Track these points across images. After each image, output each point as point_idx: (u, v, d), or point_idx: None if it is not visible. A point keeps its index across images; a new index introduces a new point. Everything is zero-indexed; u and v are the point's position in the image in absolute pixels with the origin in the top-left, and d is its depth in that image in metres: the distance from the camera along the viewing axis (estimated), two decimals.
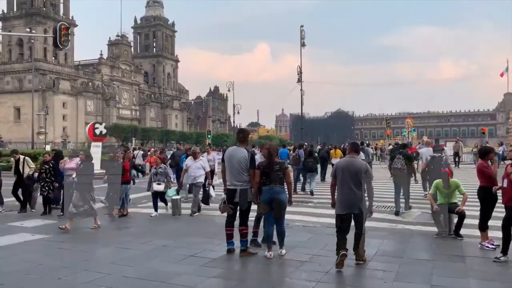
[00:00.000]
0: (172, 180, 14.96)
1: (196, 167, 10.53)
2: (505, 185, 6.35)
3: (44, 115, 62.93)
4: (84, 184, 8.94)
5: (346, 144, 26.77)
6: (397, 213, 10.35)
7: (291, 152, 18.32)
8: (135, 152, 22.86)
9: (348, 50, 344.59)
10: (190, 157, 10.94)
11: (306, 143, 21.73)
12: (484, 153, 7.17)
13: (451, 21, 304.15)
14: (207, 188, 10.59)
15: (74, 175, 9.44)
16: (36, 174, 11.22)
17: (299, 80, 37.59)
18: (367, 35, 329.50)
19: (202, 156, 11.19)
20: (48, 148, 51.71)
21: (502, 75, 73.56)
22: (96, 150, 24.50)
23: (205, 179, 10.78)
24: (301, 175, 15.53)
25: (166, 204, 10.84)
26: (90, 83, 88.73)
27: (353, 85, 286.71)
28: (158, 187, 10.50)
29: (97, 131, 24.96)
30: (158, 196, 10.59)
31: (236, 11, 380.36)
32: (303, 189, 15.07)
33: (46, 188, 10.75)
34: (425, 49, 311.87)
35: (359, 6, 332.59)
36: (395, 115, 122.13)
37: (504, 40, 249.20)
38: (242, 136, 6.91)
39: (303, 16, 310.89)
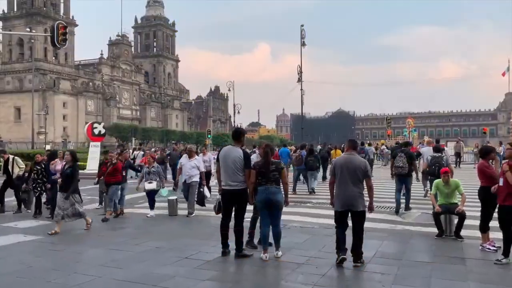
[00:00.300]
0: (170, 179, 14.84)
1: (191, 166, 10.30)
2: (501, 183, 6.19)
3: (44, 115, 62.82)
4: (69, 186, 8.58)
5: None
6: (397, 211, 10.33)
7: (292, 152, 18.30)
8: (135, 152, 22.68)
9: (348, 50, 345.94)
10: (184, 156, 10.72)
11: (307, 143, 21.59)
12: (485, 153, 7.02)
13: (451, 21, 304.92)
14: (202, 189, 10.36)
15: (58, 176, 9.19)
16: (26, 174, 11.01)
17: (299, 80, 37.43)
18: (367, 35, 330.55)
19: (198, 156, 10.99)
20: (48, 148, 51.73)
21: (504, 74, 73.31)
22: (94, 150, 24.46)
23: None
24: (301, 175, 15.43)
25: (152, 208, 10.47)
26: (90, 83, 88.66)
27: (353, 85, 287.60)
28: (150, 185, 10.31)
29: (96, 131, 24.90)
30: (150, 196, 10.39)
31: (236, 11, 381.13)
32: (313, 190, 14.91)
33: (38, 189, 10.53)
34: (425, 49, 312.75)
35: (359, 6, 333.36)
36: (396, 115, 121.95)
37: (504, 40, 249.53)
38: (237, 135, 6.76)
39: (303, 16, 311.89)
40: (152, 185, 10.31)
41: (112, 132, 74.60)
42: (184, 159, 10.62)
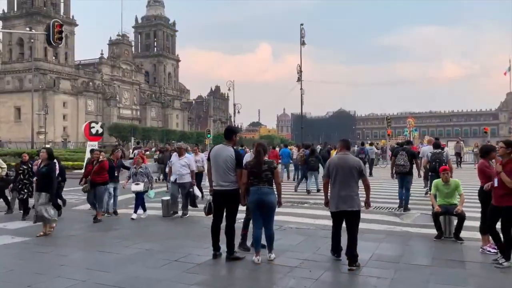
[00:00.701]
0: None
1: (181, 165, 9.91)
2: (495, 184, 5.94)
3: (44, 114, 62.63)
4: (45, 186, 8.15)
5: None
6: (400, 206, 10.59)
7: (296, 151, 18.59)
8: (135, 151, 22.46)
9: (348, 50, 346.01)
10: (174, 154, 10.38)
11: (311, 144, 21.50)
12: (486, 152, 6.77)
13: (451, 21, 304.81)
14: (191, 190, 10.05)
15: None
16: (12, 174, 10.66)
17: (299, 79, 37.23)
18: (367, 35, 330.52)
19: (188, 155, 10.68)
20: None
21: (505, 74, 73.06)
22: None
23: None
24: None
25: (137, 210, 10.05)
26: (90, 83, 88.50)
27: (353, 85, 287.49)
28: (136, 187, 9.91)
29: (93, 130, 24.60)
30: (139, 196, 10.02)
31: (236, 11, 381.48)
32: (318, 190, 14.72)
33: (25, 190, 10.06)
34: (425, 49, 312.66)
35: (359, 6, 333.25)
36: (397, 115, 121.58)
37: (505, 40, 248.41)
38: (228, 134, 6.53)
39: (303, 16, 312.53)
40: (139, 187, 9.91)
41: (112, 132, 74.49)
42: (174, 158, 10.25)
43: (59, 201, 11.20)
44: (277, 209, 6.43)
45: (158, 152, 21.51)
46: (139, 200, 10.03)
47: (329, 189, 6.18)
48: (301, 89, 37.72)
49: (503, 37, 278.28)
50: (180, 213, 10.09)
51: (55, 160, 8.93)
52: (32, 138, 54.34)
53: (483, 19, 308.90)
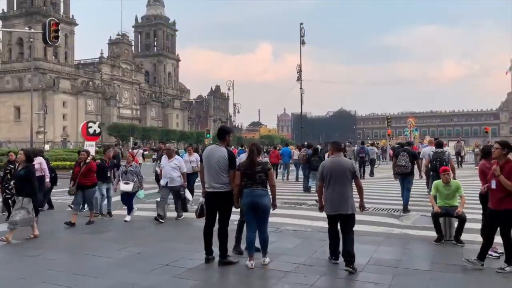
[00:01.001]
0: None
1: (171, 167, 9.63)
2: (493, 186, 5.72)
3: (43, 114, 62.45)
4: (24, 190, 7.77)
5: (346, 143, 26.30)
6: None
7: (298, 151, 18.77)
8: (134, 151, 22.25)
9: (348, 50, 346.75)
10: (164, 156, 10.09)
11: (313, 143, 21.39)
12: (487, 153, 6.57)
13: (452, 21, 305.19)
14: (182, 192, 9.77)
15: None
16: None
17: (299, 78, 37.06)
18: (367, 35, 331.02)
19: (178, 156, 10.39)
20: (47, 147, 51.34)
21: (507, 73, 72.93)
22: (89, 150, 24.02)
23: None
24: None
25: (129, 213, 9.73)
26: (90, 82, 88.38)
27: (353, 85, 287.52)
28: (126, 186, 9.53)
29: (91, 130, 24.34)
30: (128, 196, 9.66)
31: (236, 11, 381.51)
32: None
33: (12, 190, 9.44)
34: (425, 49, 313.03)
35: (359, 6, 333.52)
36: (398, 115, 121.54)
37: (505, 40, 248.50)
38: (221, 134, 6.33)
39: (303, 16, 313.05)
40: (128, 187, 9.56)
41: (112, 132, 74.39)
42: (163, 161, 9.95)
43: (46, 205, 10.99)
44: (274, 211, 6.24)
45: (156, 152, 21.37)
46: (128, 200, 9.72)
47: (324, 192, 6.01)
48: (301, 88, 37.60)
49: (503, 37, 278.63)
50: (163, 220, 9.56)
51: (37, 162, 8.64)
52: (31, 138, 54.13)
53: (483, 19, 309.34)
